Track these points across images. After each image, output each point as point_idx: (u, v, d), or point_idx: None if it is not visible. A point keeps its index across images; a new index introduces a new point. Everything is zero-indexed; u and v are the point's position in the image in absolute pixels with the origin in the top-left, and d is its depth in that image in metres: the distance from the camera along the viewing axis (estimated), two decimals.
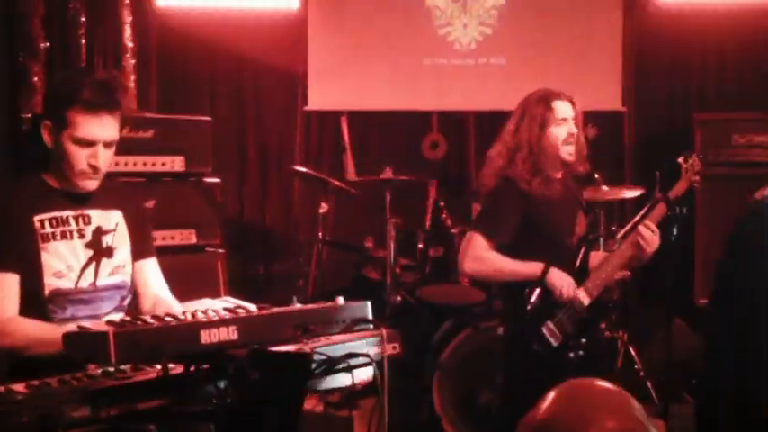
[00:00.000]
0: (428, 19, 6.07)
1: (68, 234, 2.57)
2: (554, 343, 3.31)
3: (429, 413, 4.55)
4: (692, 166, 3.47)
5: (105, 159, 2.56)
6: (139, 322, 1.99)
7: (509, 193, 3.36)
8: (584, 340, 3.37)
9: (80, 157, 2.52)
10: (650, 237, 3.35)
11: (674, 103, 6.10)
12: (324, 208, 5.14)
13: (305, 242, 5.68)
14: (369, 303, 2.33)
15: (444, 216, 5.00)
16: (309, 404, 4.50)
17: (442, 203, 5.05)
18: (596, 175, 4.70)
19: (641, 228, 3.37)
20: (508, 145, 3.44)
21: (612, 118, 6.03)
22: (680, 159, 3.52)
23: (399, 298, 4.88)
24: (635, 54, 6.04)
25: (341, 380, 2.24)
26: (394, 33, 6.08)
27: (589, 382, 1.36)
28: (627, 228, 3.46)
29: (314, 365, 2.12)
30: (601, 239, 4.36)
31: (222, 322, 1.99)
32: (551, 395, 1.32)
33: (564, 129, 3.39)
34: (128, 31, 5.60)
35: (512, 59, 6.06)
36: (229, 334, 1.99)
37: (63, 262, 2.55)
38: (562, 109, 3.40)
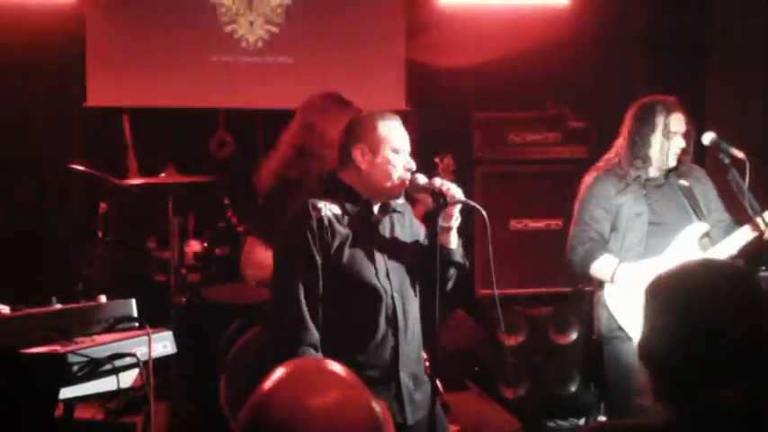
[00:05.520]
0: (213, 15, 5.96)
1: None
2: None
3: (217, 414, 4.47)
4: (447, 165, 3.64)
5: None
6: None
7: (286, 196, 3.36)
8: None
9: None
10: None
11: (456, 102, 6.31)
12: (103, 208, 4.93)
13: (84, 244, 5.43)
14: (133, 301, 2.26)
15: (230, 215, 4.93)
16: (89, 412, 4.32)
17: (227, 201, 4.97)
18: None
19: None
20: (289, 149, 3.45)
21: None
22: (436, 159, 3.68)
23: (185, 299, 4.76)
24: (417, 55, 6.20)
25: (116, 380, 2.16)
26: (178, 29, 5.92)
27: (317, 359, 1.37)
28: None
29: (75, 368, 2.02)
30: None
31: None
32: (276, 372, 1.31)
33: None
34: None
35: (299, 59, 6.06)
36: None
37: None
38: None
